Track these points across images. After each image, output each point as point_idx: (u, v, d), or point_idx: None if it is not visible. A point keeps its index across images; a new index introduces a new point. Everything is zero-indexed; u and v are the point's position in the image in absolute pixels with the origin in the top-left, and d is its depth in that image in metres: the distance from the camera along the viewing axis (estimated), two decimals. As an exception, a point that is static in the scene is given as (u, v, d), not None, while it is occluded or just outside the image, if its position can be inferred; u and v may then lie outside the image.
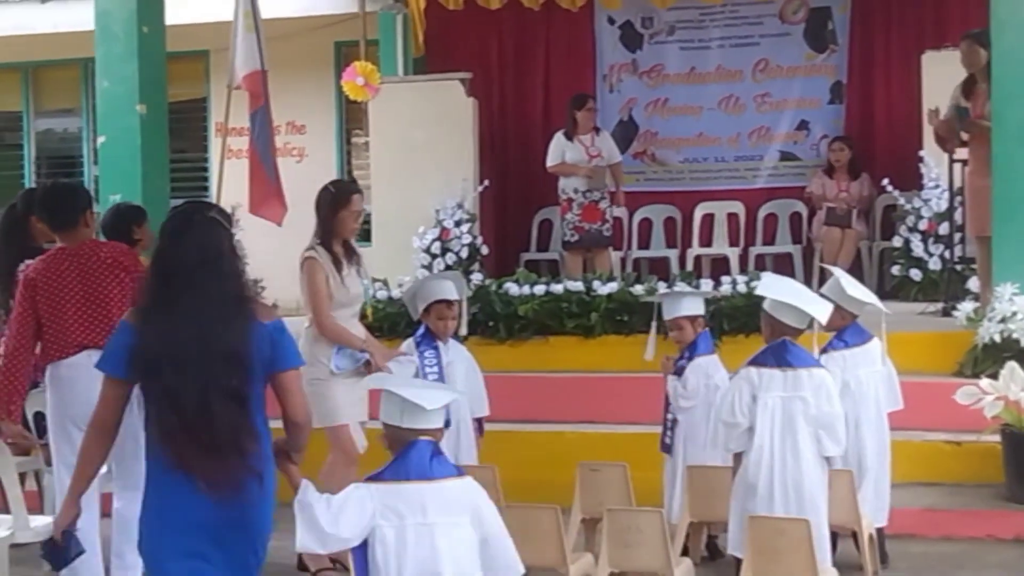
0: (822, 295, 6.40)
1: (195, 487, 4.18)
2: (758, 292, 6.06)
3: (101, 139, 9.51)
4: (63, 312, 6.36)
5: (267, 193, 10.63)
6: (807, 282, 11.36)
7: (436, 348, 7.06)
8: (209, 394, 4.17)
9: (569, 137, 11.75)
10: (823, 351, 6.26)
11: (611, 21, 13.19)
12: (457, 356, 7.14)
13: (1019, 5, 8.34)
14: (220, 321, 4.22)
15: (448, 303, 7.11)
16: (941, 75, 10.09)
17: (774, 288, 6.01)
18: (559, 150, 11.77)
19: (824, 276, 11.29)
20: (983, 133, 8.71)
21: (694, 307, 6.96)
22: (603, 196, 11.64)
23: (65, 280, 6.36)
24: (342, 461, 6.87)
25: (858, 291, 6.58)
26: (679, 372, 6.83)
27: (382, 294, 9.79)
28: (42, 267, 6.36)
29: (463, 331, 7.56)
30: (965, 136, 9.32)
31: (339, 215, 6.96)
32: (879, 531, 6.55)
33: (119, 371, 4.33)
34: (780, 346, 5.85)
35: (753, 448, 5.82)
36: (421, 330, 7.16)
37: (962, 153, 9.48)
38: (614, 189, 11.83)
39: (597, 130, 11.90)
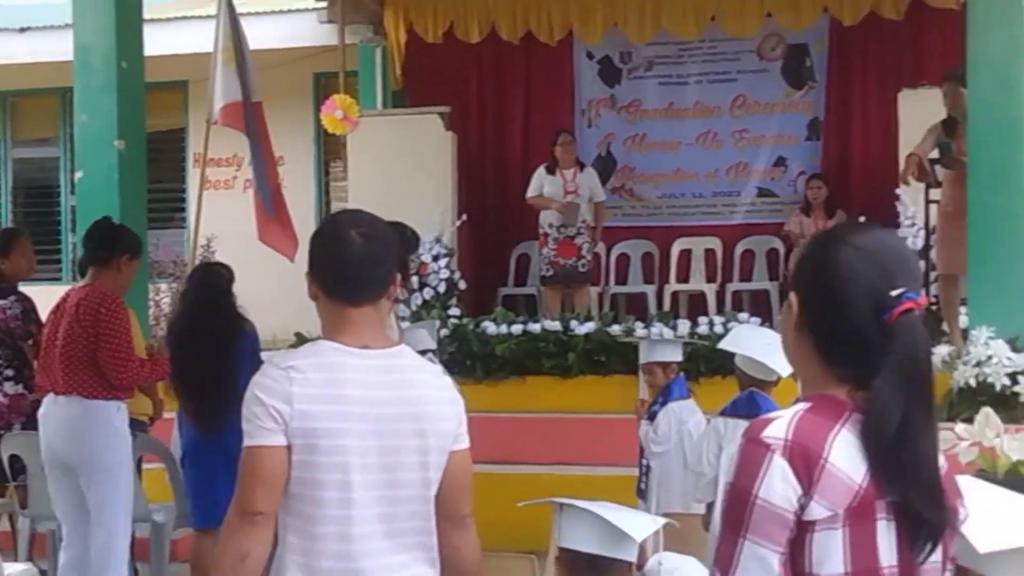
0: None
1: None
2: (721, 346, 6.03)
3: (79, 174, 9.46)
4: (37, 354, 6.54)
5: (266, 222, 10.58)
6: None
7: None
8: (207, 367, 6.48)
9: (552, 171, 11.75)
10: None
11: (590, 56, 13.23)
12: None
13: (993, 48, 8.40)
14: (220, 326, 6.65)
15: (429, 352, 7.10)
16: (918, 113, 10.15)
17: (735, 342, 5.99)
18: (538, 183, 11.76)
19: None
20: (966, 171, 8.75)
21: (665, 353, 6.96)
22: (579, 232, 11.60)
23: (48, 322, 6.50)
24: None
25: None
26: (652, 417, 6.83)
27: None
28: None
29: None
30: (939, 175, 9.37)
31: (407, 260, 6.99)
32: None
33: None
34: (747, 397, 5.86)
35: (717, 499, 5.85)
36: None
37: (935, 194, 9.53)
38: (593, 224, 11.80)
39: (582, 166, 11.86)
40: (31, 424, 7.42)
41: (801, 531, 2.19)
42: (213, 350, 6.57)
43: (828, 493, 2.19)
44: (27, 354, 7.53)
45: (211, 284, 6.84)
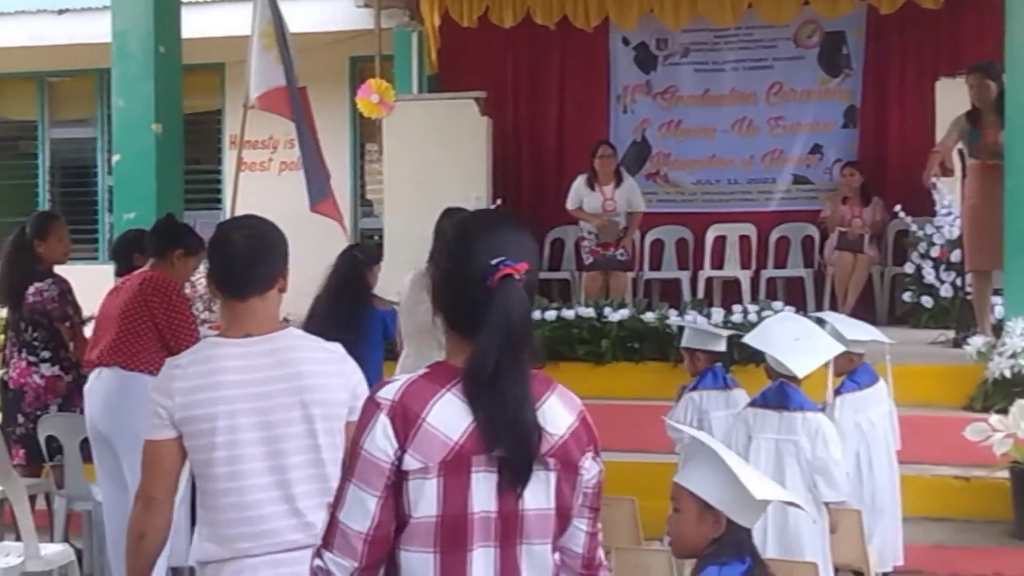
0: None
1: None
2: (746, 341, 6.00)
3: (116, 157, 9.52)
4: (74, 336, 6.63)
5: (320, 201, 10.60)
6: (818, 306, 11.39)
7: None
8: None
9: (591, 184, 11.76)
10: (837, 393, 6.22)
11: (626, 42, 13.19)
12: None
13: (1034, 39, 8.34)
14: (347, 306, 7.30)
15: None
16: (954, 102, 10.05)
17: (761, 338, 5.94)
18: (577, 195, 11.81)
19: (835, 302, 11.41)
20: (996, 159, 8.70)
21: (692, 340, 6.97)
22: (617, 240, 11.73)
23: (104, 302, 6.59)
24: None
25: (858, 332, 6.46)
26: (681, 402, 6.88)
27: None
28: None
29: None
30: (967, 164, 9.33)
31: None
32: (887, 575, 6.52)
33: None
34: (777, 388, 5.81)
35: None
36: None
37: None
38: (626, 226, 11.85)
39: (619, 179, 11.85)
40: (67, 405, 7.52)
41: (399, 479, 2.53)
42: (339, 327, 6.59)
43: (422, 448, 2.52)
44: (64, 336, 7.59)
45: (344, 267, 7.49)
